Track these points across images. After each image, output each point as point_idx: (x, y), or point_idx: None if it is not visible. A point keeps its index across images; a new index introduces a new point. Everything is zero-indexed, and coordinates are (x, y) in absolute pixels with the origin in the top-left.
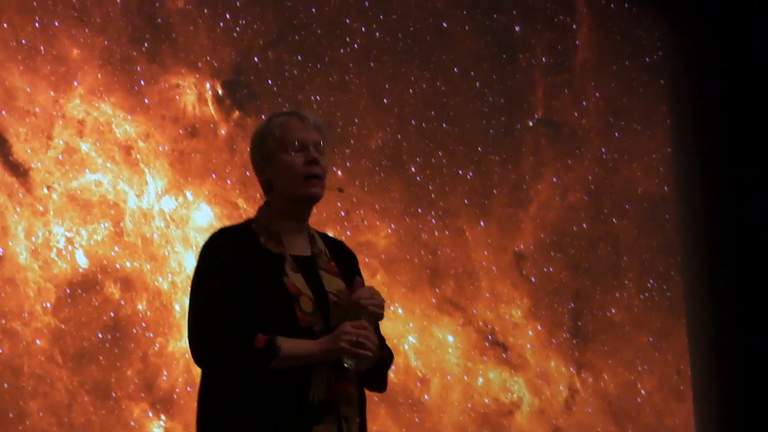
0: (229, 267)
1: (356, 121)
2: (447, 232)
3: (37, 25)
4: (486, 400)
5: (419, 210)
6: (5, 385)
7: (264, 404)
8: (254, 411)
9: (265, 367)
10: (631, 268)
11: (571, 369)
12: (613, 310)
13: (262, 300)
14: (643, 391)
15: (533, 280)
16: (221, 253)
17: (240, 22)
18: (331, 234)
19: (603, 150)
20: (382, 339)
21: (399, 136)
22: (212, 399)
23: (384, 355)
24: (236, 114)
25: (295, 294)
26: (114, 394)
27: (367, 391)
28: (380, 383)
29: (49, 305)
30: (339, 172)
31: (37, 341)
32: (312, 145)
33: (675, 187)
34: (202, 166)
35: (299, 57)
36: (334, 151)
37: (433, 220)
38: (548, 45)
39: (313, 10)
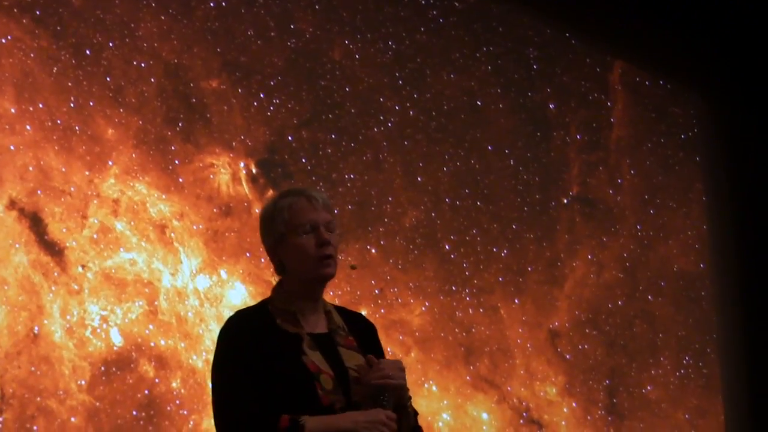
0: (248, 351)
1: (390, 199)
2: (481, 310)
3: (72, 105)
4: None
5: (453, 288)
6: None
7: None
8: None
9: None
10: (667, 346)
11: None
12: (649, 387)
13: (282, 381)
14: None
15: (568, 357)
16: (239, 338)
17: (274, 101)
18: (364, 312)
19: (638, 227)
20: (408, 399)
21: (433, 214)
22: None
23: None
24: (270, 192)
25: (315, 372)
26: None
27: None
28: None
29: (83, 383)
30: (373, 250)
31: (72, 419)
32: (323, 226)
33: (711, 265)
34: (237, 245)
35: (333, 136)
36: (368, 229)
37: (467, 298)
38: (583, 122)
39: (347, 89)
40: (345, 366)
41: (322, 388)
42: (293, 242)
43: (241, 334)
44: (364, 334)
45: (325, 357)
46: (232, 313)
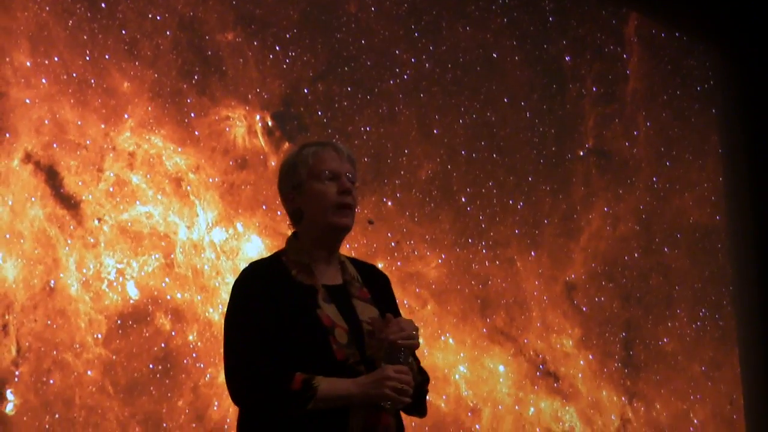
0: (262, 303)
1: (406, 152)
2: (497, 263)
3: (87, 58)
4: (537, 430)
5: (469, 240)
6: (57, 416)
7: None
8: None
9: (302, 410)
10: (683, 298)
11: (623, 399)
12: (665, 340)
13: (296, 334)
14: (695, 421)
15: (584, 309)
16: (253, 290)
17: (290, 54)
18: (380, 265)
19: (654, 180)
20: (417, 361)
21: (449, 166)
22: None
23: (421, 381)
24: (286, 145)
25: (330, 326)
26: (165, 425)
27: (415, 420)
28: (420, 410)
29: (100, 336)
30: (389, 203)
31: (89, 372)
32: (345, 176)
33: (727, 217)
34: (253, 198)
35: (349, 88)
36: (384, 182)
37: (483, 251)
38: (598, 75)
39: (363, 41)
40: (359, 319)
41: (337, 343)
42: (314, 188)
43: (255, 286)
44: (378, 286)
45: (339, 310)
46: (245, 265)
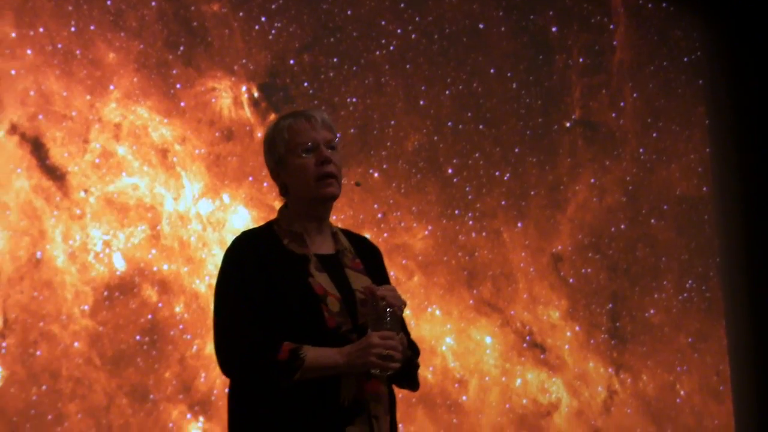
0: (253, 272)
1: (392, 123)
2: (484, 234)
3: (72, 29)
4: (524, 402)
5: (456, 212)
6: (44, 388)
7: (295, 408)
8: (285, 414)
9: (289, 380)
10: (670, 270)
11: (610, 370)
12: (652, 311)
13: (288, 303)
14: (682, 392)
15: (571, 281)
16: (244, 259)
17: (275, 25)
18: (368, 236)
19: (641, 151)
20: (407, 335)
21: (435, 138)
22: (243, 403)
23: (411, 354)
24: (272, 117)
25: (322, 294)
26: (152, 397)
27: (403, 392)
28: (411, 383)
29: (86, 308)
30: (375, 174)
31: (75, 344)
32: (323, 144)
33: (713, 188)
34: (239, 169)
35: (335, 59)
36: (370, 153)
37: (470, 222)
38: (585, 46)
39: (349, 12)
40: (352, 288)
41: (329, 311)
42: (293, 163)
43: (246, 254)
44: (370, 258)
45: (332, 279)
46: (237, 234)
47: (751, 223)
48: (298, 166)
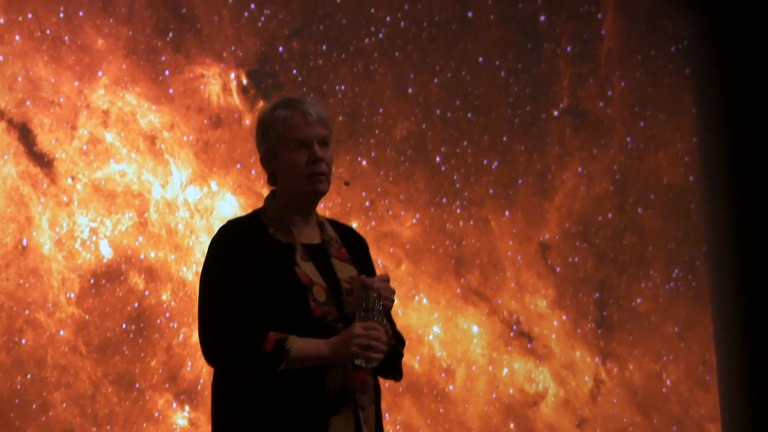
0: (238, 261)
1: (381, 110)
2: (472, 222)
3: (61, 15)
4: (511, 391)
5: (444, 200)
6: (29, 376)
7: (280, 398)
8: (271, 404)
9: (273, 370)
10: (657, 258)
11: (597, 359)
12: (639, 300)
13: (274, 292)
14: (668, 381)
15: (558, 270)
16: (230, 248)
17: (265, 11)
18: (355, 224)
19: (628, 139)
20: (393, 325)
21: (424, 125)
22: (227, 393)
23: (396, 344)
24: (261, 104)
25: (308, 284)
26: (138, 385)
27: (389, 381)
28: (395, 372)
29: (73, 296)
30: (364, 162)
31: (61, 332)
32: (316, 142)
33: (700, 177)
34: (227, 156)
35: (324, 47)
36: (359, 141)
37: (458, 210)
38: (573, 34)
39: None
40: (338, 277)
41: (315, 300)
42: (285, 156)
43: (232, 243)
44: (356, 248)
45: (317, 268)
46: (223, 223)
47: (738, 212)
48: (289, 160)
